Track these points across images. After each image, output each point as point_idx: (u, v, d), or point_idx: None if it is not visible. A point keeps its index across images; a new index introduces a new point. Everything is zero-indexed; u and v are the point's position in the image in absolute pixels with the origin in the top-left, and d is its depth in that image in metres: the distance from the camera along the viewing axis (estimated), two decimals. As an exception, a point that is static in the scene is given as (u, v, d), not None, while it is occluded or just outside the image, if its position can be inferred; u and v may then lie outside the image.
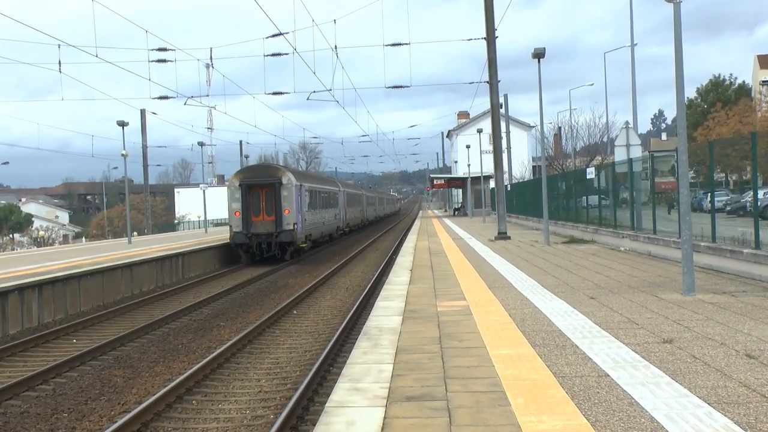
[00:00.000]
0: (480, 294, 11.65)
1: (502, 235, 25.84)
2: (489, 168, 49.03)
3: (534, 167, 75.05)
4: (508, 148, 48.82)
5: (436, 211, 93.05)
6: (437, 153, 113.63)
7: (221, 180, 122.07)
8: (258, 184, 29.85)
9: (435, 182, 62.32)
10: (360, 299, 16.93)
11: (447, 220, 50.29)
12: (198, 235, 40.39)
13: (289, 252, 30.07)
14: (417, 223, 48.29)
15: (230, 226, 30.01)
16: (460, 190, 74.13)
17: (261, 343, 13.36)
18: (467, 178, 55.00)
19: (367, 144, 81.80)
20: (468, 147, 54.14)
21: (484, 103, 56.24)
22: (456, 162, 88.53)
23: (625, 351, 7.18)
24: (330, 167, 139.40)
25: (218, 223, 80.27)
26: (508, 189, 42.17)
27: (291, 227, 29.60)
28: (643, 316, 9.11)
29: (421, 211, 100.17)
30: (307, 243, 31.74)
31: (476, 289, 12.22)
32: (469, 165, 53.95)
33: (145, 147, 54.71)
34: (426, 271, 15.74)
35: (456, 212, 65.98)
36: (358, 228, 54.47)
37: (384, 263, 25.96)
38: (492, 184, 49.23)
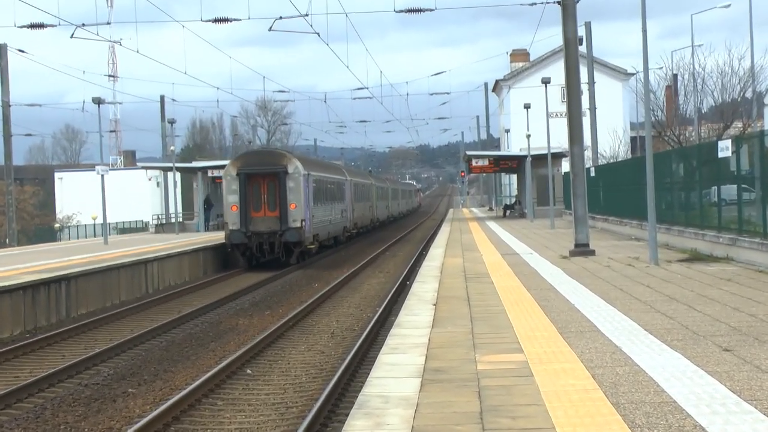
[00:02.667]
0: (546, 343, 11.63)
1: (582, 249, 25.79)
2: (561, 141, 48.99)
3: (633, 139, 74.99)
4: (592, 108, 48.85)
5: (475, 210, 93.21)
6: (477, 117, 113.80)
7: (130, 159, 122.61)
8: (259, 173, 37.41)
9: (474, 164, 62.33)
10: (354, 351, 16.95)
11: (493, 224, 50.34)
12: (93, 248, 40.50)
13: (295, 254, 37.83)
14: (445, 228, 48.28)
15: (225, 224, 37.88)
16: (515, 177, 74.13)
17: (194, 421, 13.36)
18: (526, 157, 55.04)
19: (366, 102, 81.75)
20: (527, 107, 54.17)
21: (553, 38, 56.22)
22: (507, 132, 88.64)
23: (781, 436, 7.15)
24: (306, 139, 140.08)
25: (126, 228, 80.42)
26: (592, 175, 42.17)
27: (298, 224, 37.21)
28: (809, 379, 9.08)
29: (451, 210, 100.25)
30: (314, 244, 39.72)
31: (540, 335, 12.20)
32: (528, 136, 53.95)
33: (6, 105, 54.86)
34: (459, 305, 15.72)
35: (508, 211, 66.01)
36: (366, 230, 61.83)
37: (392, 293, 25.98)
38: (566, 166, 49.21)
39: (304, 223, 37.49)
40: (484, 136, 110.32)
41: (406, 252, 45.33)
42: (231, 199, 37.41)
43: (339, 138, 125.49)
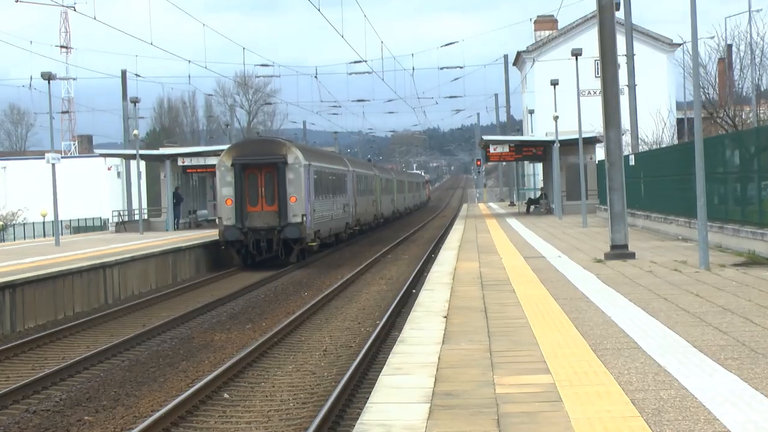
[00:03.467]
0: (577, 361, 11.62)
1: (619, 251, 25.77)
2: (595, 123, 48.97)
3: (680, 121, 74.97)
4: (632, 85, 48.80)
5: (493, 205, 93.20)
6: (495, 95, 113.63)
7: (86, 145, 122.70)
8: (256, 164, 40.40)
9: (492, 150, 62.30)
10: (350, 371, 16.94)
11: (514, 222, 50.32)
12: (42, 250, 40.49)
13: (295, 252, 41.03)
14: (458, 227, 48.25)
15: (219, 219, 41.03)
16: (540, 166, 74.05)
17: (161, 453, 13.36)
18: (553, 142, 55.02)
19: (364, 78, 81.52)
20: (554, 84, 54.13)
21: (585, 2, 56.17)
22: (531, 113, 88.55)
23: None
24: (294, 121, 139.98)
25: (81, 227, 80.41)
26: (631, 164, 42.15)
27: (299, 220, 40.05)
28: None
29: (465, 205, 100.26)
30: (316, 241, 42.79)
31: (570, 353, 12.19)
32: (556, 118, 53.91)
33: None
34: (474, 318, 15.71)
35: (532, 207, 66.01)
36: (369, 227, 65.20)
37: (396, 303, 25.99)
38: (600, 153, 49.15)
39: (305, 218, 40.21)
40: (503, 118, 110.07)
41: (412, 254, 45.35)
42: (225, 192, 40.10)
43: (332, 120, 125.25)
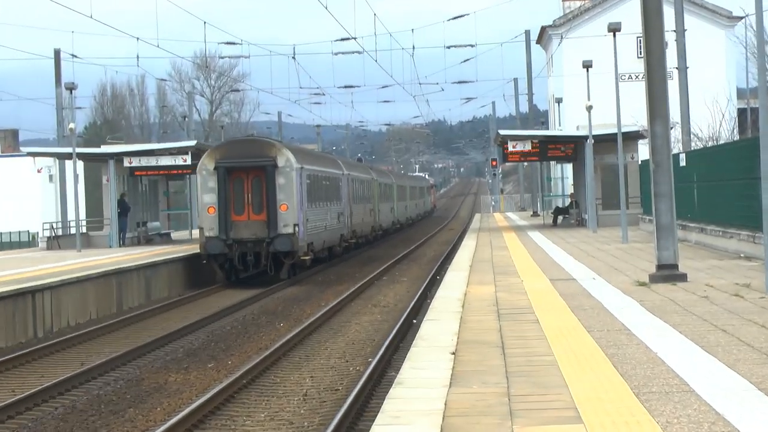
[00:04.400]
0: (615, 408, 11.63)
1: (668, 272, 25.75)
2: (638, 115, 49.01)
3: (742, 112, 74.98)
4: (682, 68, 48.89)
5: (511, 215, 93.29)
6: (515, 80, 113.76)
7: (11, 142, 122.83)
8: (242, 167, 42.89)
9: (511, 148, 62.36)
10: (336, 421, 16.95)
11: (538, 236, 50.35)
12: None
13: (285, 267, 43.32)
14: (469, 242, 48.28)
15: (200, 229, 43.11)
16: (570, 167, 74.12)
17: None
18: (585, 138, 55.11)
19: (354, 60, 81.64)
20: (587, 67, 54.18)
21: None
22: (559, 102, 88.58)
23: None
24: (267, 113, 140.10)
25: (5, 242, 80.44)
26: (682, 164, 42.21)
27: (290, 230, 42.48)
28: None
29: (477, 215, 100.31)
30: (309, 254, 45.47)
31: (607, 398, 12.19)
32: (589, 108, 53.94)
33: None
34: (489, 354, 15.71)
35: (560, 218, 66.09)
36: (366, 240, 68.16)
37: (392, 335, 26.06)
38: (644, 152, 49.18)
39: (297, 228, 42.92)
40: (524, 108, 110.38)
41: (413, 275, 45.46)
42: (207, 199, 42.72)
43: (314, 111, 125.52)
